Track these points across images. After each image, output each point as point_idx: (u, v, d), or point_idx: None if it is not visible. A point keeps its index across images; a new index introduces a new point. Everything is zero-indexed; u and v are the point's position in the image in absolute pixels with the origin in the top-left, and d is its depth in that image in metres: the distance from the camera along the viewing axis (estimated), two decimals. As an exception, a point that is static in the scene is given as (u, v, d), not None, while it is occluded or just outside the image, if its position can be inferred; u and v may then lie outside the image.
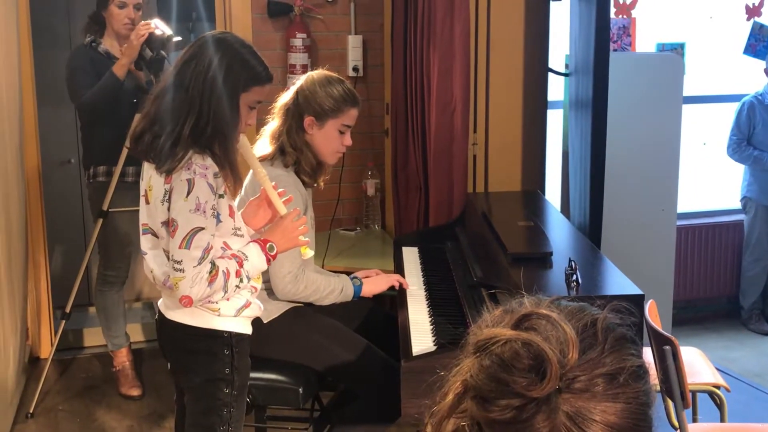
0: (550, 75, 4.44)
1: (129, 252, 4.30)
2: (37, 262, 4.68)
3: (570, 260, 2.62)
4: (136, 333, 4.95)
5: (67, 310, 4.20)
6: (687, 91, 5.51)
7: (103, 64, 4.04)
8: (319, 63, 4.66)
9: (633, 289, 2.53)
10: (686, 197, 5.66)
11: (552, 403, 0.93)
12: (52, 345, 4.47)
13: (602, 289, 2.66)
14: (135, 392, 4.30)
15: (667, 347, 2.57)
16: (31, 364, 4.64)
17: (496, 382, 0.94)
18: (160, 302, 2.60)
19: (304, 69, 4.58)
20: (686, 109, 5.60)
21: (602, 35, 3.86)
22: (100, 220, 4.09)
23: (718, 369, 4.74)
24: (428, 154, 4.11)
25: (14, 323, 4.07)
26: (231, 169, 2.43)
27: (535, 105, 4.35)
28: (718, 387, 3.25)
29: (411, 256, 3.62)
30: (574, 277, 2.55)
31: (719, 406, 3.25)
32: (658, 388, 2.69)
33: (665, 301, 4.83)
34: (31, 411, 4.10)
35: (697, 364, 3.46)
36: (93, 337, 4.94)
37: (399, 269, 3.46)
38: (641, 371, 0.99)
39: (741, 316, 5.76)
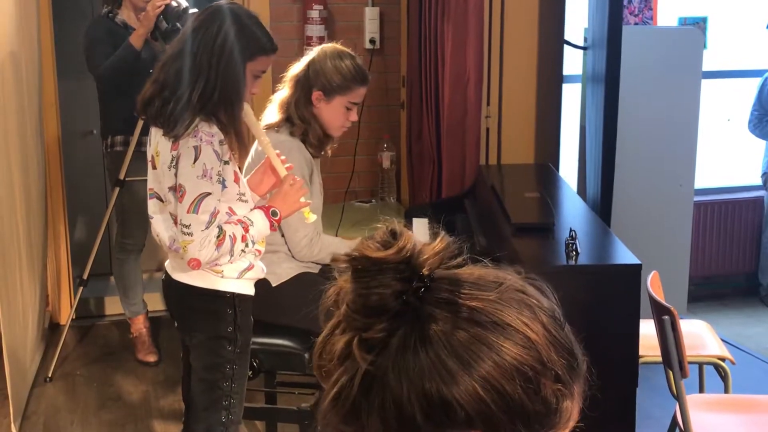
0: (570, 49, 4.44)
1: (146, 220, 4.34)
2: (57, 231, 4.76)
3: (571, 230, 2.64)
4: (155, 302, 5.01)
5: (85, 276, 4.28)
6: (711, 66, 5.48)
7: (120, 34, 4.09)
8: (336, 35, 4.70)
9: (631, 259, 2.56)
10: (711, 173, 5.65)
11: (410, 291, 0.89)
12: (72, 312, 4.57)
13: (601, 258, 2.69)
14: (151, 358, 4.39)
15: (666, 317, 2.59)
16: (51, 330, 4.74)
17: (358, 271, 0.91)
18: (167, 263, 2.69)
19: (321, 41, 4.60)
20: (711, 84, 5.57)
21: (616, 9, 3.85)
22: (117, 189, 4.16)
23: (732, 344, 4.76)
24: (441, 126, 4.14)
25: (33, 289, 4.16)
26: (236, 136, 2.51)
27: (551, 78, 4.35)
28: (723, 359, 3.26)
29: (420, 227, 3.65)
30: (574, 246, 2.57)
31: (724, 378, 3.26)
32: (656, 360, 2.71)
33: (681, 277, 4.83)
34: (49, 375, 4.20)
35: (705, 336, 3.47)
36: (114, 306, 5.01)
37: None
38: (528, 342, 0.88)
39: (759, 293, 5.73)
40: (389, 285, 0.89)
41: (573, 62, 4.60)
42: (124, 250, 4.38)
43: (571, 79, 4.72)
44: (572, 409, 0.93)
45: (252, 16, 2.59)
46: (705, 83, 5.47)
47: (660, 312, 2.64)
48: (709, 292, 5.77)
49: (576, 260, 2.55)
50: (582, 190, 4.34)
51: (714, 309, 5.57)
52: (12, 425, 3.69)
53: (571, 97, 4.67)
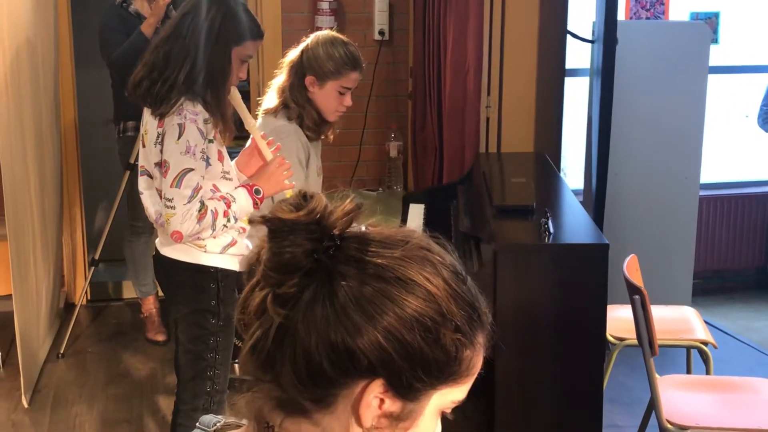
0: (580, 42, 4.49)
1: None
2: (73, 215, 4.93)
3: (545, 211, 2.73)
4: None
5: (96, 257, 4.44)
6: (723, 61, 5.52)
7: (133, 23, 4.24)
8: (346, 26, 4.80)
9: (600, 239, 2.65)
10: (729, 168, 5.69)
11: (323, 251, 0.96)
12: (85, 292, 4.73)
13: (571, 237, 2.77)
14: (160, 337, 4.54)
15: (637, 297, 2.67)
16: (67, 309, 4.89)
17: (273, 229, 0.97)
18: (156, 240, 2.80)
19: (331, 32, 4.70)
20: (728, 79, 5.61)
21: (611, 2, 3.93)
22: (128, 173, 4.31)
23: (733, 336, 4.81)
24: (443, 116, 4.23)
25: (47, 270, 4.32)
26: (222, 116, 2.62)
27: (554, 70, 4.42)
28: (705, 344, 3.33)
29: (416, 212, 3.75)
30: (546, 226, 2.66)
31: (705, 361, 3.34)
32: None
33: (686, 269, 4.88)
34: (61, 351, 4.36)
35: (693, 322, 3.54)
36: (131, 289, 5.16)
37: (402, 224, 3.60)
38: (428, 295, 0.96)
39: (769, 287, 5.76)
40: (301, 244, 0.96)
41: (583, 56, 4.68)
42: (134, 232, 4.53)
43: (583, 72, 4.80)
44: (473, 358, 1.00)
45: (240, 2, 2.70)
46: (723, 78, 5.53)
47: (632, 292, 2.72)
48: (719, 286, 5.80)
49: (548, 239, 2.64)
50: (588, 180, 4.41)
51: (722, 302, 5.60)
52: (23, 397, 3.86)
53: (582, 91, 4.74)
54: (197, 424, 1.11)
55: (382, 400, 0.95)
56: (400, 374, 0.94)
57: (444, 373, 0.97)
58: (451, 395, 1.00)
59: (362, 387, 0.95)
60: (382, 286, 0.95)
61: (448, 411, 1.02)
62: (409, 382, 0.95)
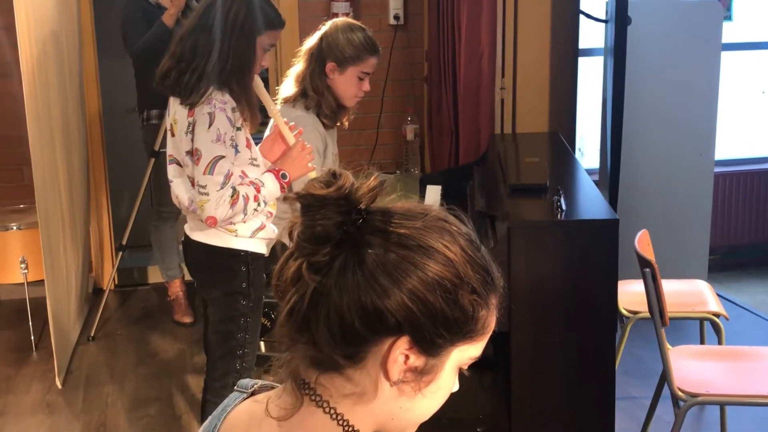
0: (594, 22, 4.55)
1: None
2: (99, 202, 5.06)
3: (558, 189, 2.82)
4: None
5: (124, 242, 4.56)
6: (740, 38, 5.56)
7: (154, 14, 4.34)
8: (361, 12, 4.90)
9: (610, 214, 2.74)
10: (746, 144, 5.75)
11: (351, 224, 1.06)
12: (113, 277, 4.86)
13: (582, 214, 2.86)
14: (187, 319, 4.67)
15: (647, 270, 2.76)
16: (96, 294, 5.03)
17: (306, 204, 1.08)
18: (186, 226, 2.90)
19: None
20: (742, 56, 5.66)
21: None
22: (152, 160, 4.42)
23: (747, 310, 4.88)
24: (458, 98, 4.32)
25: (76, 256, 4.45)
26: (248, 104, 2.71)
27: (567, 50, 4.49)
28: (717, 315, 3.42)
29: (433, 193, 3.85)
30: (559, 203, 2.75)
31: (717, 333, 3.43)
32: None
33: (701, 244, 4.94)
34: (92, 334, 4.50)
35: (705, 294, 3.62)
36: (156, 274, 5.29)
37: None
38: (447, 261, 1.06)
39: (789, 263, 5.81)
40: (331, 217, 1.06)
41: (597, 35, 4.74)
42: (160, 217, 4.65)
43: (597, 52, 4.87)
44: (488, 317, 1.11)
45: None
46: (738, 55, 5.57)
47: (643, 265, 2.81)
48: (735, 261, 5.86)
49: (561, 216, 2.74)
50: (604, 159, 4.49)
51: (738, 277, 5.66)
52: (56, 378, 4.00)
53: (597, 70, 4.81)
54: (236, 387, 1.22)
55: (407, 356, 1.06)
56: (423, 331, 1.05)
57: (462, 330, 1.08)
58: (468, 351, 1.11)
59: (390, 344, 1.05)
60: (406, 253, 1.05)
61: (465, 367, 1.13)
62: (432, 339, 1.06)
